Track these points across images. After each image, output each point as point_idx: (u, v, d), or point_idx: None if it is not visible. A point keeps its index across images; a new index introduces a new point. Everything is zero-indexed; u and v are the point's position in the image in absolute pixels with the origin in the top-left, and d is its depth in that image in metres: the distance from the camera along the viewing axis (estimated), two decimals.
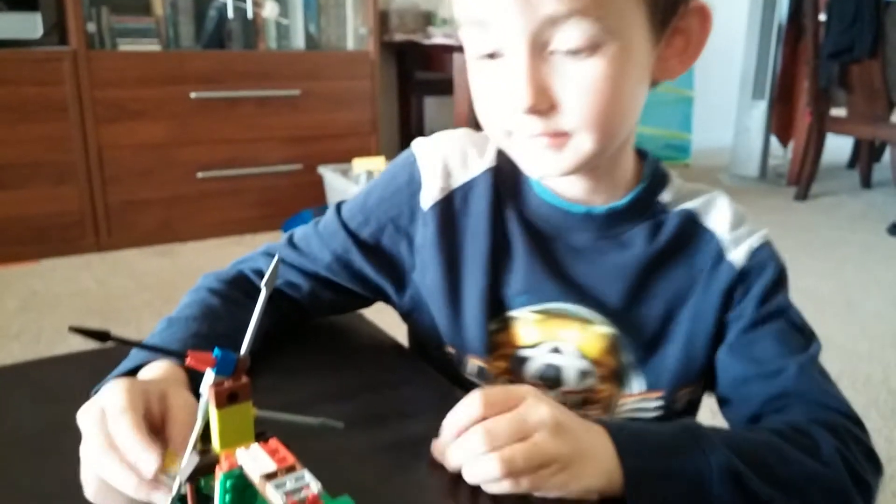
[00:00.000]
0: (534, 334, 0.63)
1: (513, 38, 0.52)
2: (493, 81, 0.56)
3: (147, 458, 0.41)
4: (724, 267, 0.61)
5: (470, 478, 0.46)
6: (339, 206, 0.70)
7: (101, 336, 0.35)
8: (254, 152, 2.76)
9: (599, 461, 0.47)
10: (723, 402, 0.63)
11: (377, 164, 2.59)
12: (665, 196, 0.64)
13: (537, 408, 0.47)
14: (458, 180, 0.66)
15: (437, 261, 0.65)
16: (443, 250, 0.65)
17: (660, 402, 0.63)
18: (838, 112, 3.36)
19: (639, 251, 0.62)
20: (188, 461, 0.38)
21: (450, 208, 0.65)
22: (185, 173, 2.66)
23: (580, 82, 0.53)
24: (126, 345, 0.36)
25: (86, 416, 0.45)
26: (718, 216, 0.63)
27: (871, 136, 3.53)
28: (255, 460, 0.34)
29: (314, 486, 0.32)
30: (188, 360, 0.37)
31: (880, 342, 1.92)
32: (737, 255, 0.61)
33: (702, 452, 0.49)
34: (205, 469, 0.38)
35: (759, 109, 3.76)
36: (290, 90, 2.76)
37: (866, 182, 3.77)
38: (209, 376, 0.38)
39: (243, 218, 2.79)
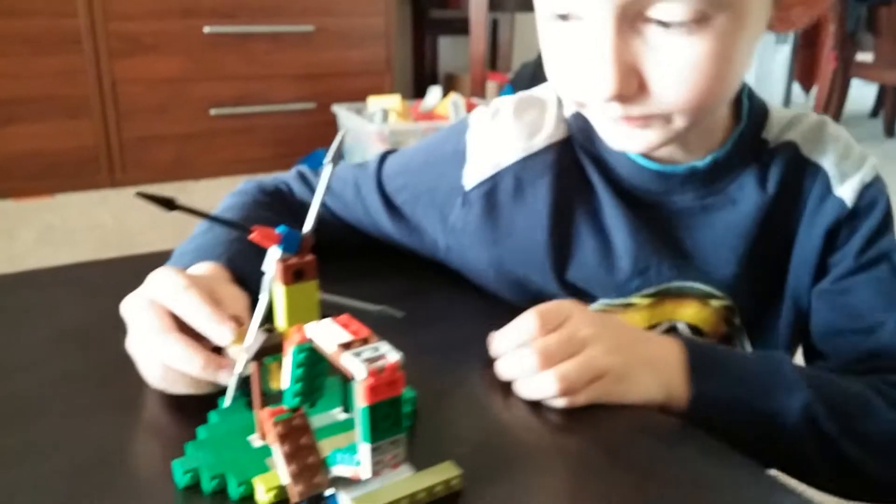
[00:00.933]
0: (646, 317, 0.58)
1: (596, 3, 0.43)
2: (566, 47, 0.47)
3: (222, 328, 0.40)
4: (830, 203, 0.55)
5: (525, 394, 0.45)
6: (383, 158, 0.64)
7: (168, 203, 0.34)
8: (267, 90, 2.72)
9: (660, 374, 0.46)
10: (809, 352, 0.59)
11: (393, 102, 2.55)
12: (767, 132, 0.56)
13: (585, 323, 0.46)
14: (512, 157, 0.57)
15: (482, 247, 0.59)
16: (488, 237, 0.58)
17: None
18: (864, 57, 3.28)
19: (750, 204, 0.55)
20: (254, 339, 0.37)
21: (497, 190, 0.57)
22: (199, 110, 2.63)
23: (679, 63, 0.44)
24: (192, 215, 0.35)
25: (135, 306, 0.44)
26: (824, 146, 0.56)
27: None
28: (328, 332, 0.33)
29: (393, 355, 0.31)
30: (253, 236, 0.36)
31: None
32: (846, 191, 0.54)
33: (782, 388, 0.46)
34: (271, 348, 0.37)
35: (783, 54, 3.67)
36: (304, 26, 2.70)
37: (889, 131, 3.70)
38: (274, 253, 0.37)
39: (256, 157, 2.75)
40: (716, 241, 0.56)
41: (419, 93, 3.19)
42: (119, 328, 0.50)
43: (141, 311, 0.43)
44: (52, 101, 2.39)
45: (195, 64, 2.57)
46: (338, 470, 0.35)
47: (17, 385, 0.46)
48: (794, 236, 0.56)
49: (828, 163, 0.55)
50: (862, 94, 3.86)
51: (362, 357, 0.31)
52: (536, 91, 0.61)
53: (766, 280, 0.57)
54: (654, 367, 0.46)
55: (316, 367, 0.35)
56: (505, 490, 0.37)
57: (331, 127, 2.75)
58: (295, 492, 0.34)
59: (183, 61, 2.55)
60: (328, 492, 0.35)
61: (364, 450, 0.31)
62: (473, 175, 0.58)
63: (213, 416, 0.41)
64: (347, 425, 0.40)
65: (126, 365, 0.46)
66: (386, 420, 0.31)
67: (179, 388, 0.43)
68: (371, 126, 2.39)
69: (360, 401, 0.31)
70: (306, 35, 2.71)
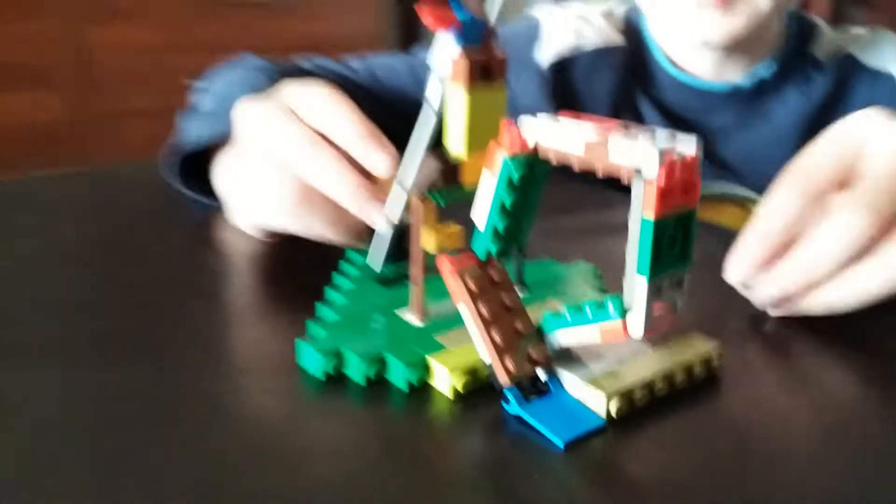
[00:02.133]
0: None
1: None
2: None
3: (384, 152, 0.29)
4: None
5: (827, 308, 0.29)
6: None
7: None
8: None
9: None
10: None
11: None
12: (815, 48, 0.57)
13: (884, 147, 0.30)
14: (591, 44, 0.60)
15: None
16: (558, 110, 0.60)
17: None
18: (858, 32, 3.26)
19: (792, 117, 0.56)
20: (421, 165, 0.26)
21: (572, 71, 0.59)
22: (179, 84, 2.48)
23: None
24: None
25: (262, 111, 0.32)
26: (887, 52, 0.56)
27: None
28: (559, 131, 0.22)
29: (688, 145, 0.21)
30: (423, 10, 0.25)
31: None
32: None
33: None
34: (447, 175, 0.26)
35: None
36: None
37: None
38: (447, 43, 0.26)
39: None
40: (754, 155, 0.56)
41: None
42: (156, 231, 0.44)
43: (274, 117, 0.31)
44: (17, 69, 2.23)
45: (175, 32, 2.44)
46: (563, 336, 0.24)
47: (74, 279, 0.36)
48: None
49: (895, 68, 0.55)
50: None
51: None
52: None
53: None
54: None
55: (528, 196, 0.25)
56: (768, 381, 0.27)
57: None
58: (503, 371, 0.23)
59: (161, 29, 2.41)
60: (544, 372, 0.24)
61: (638, 287, 0.21)
62: (551, 52, 0.60)
63: (330, 293, 0.30)
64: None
65: (183, 258, 0.37)
66: (672, 245, 0.21)
67: (315, 224, 0.31)
68: None
69: (646, 210, 0.20)
70: (293, 3, 2.59)
